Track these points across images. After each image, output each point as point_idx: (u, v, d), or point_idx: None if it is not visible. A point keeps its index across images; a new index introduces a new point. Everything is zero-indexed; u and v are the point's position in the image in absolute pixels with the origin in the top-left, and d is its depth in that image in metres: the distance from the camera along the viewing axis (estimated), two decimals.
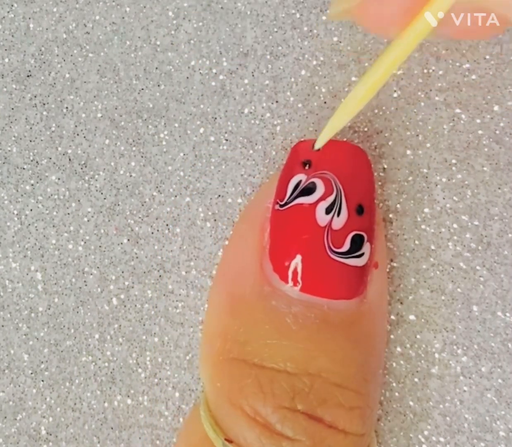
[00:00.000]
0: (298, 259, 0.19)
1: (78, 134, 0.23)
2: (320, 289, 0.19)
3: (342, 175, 0.19)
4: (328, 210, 0.19)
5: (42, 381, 0.23)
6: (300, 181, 0.19)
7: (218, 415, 0.19)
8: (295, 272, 0.19)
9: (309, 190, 0.19)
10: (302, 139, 0.21)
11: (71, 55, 0.23)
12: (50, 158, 0.23)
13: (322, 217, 0.19)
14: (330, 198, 0.19)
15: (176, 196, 0.23)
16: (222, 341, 0.20)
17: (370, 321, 0.20)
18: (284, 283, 0.19)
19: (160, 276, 0.23)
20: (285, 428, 0.18)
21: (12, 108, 0.23)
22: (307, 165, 0.20)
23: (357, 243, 0.19)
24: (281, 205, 0.19)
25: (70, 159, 0.23)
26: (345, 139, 0.22)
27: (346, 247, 0.19)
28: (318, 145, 0.19)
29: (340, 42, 0.23)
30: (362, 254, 0.19)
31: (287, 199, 0.19)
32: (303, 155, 0.20)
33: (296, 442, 0.18)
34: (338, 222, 0.19)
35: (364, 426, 0.19)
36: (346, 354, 0.19)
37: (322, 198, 0.19)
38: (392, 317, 0.22)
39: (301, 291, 0.19)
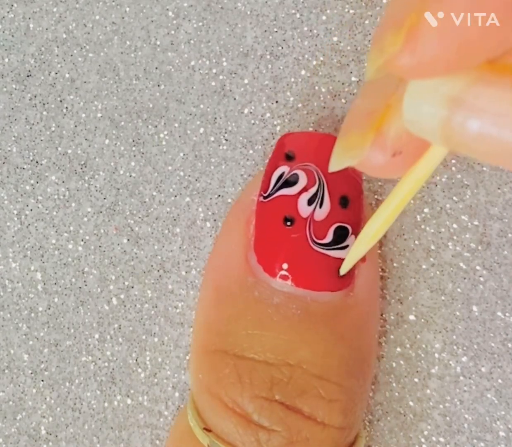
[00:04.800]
0: (281, 250, 0.19)
1: (78, 134, 0.23)
2: (302, 280, 0.19)
3: (325, 167, 0.19)
4: (310, 202, 0.19)
5: (42, 381, 0.23)
6: (283, 173, 0.19)
7: (200, 406, 0.19)
8: (278, 263, 0.19)
9: (291, 181, 0.19)
10: (287, 132, 0.21)
11: (71, 55, 0.23)
12: (50, 158, 0.23)
13: (304, 209, 0.19)
14: (312, 190, 0.19)
15: (176, 196, 0.23)
16: (205, 333, 0.20)
17: (357, 315, 0.19)
18: (268, 274, 0.19)
19: (160, 276, 0.23)
20: (261, 418, 0.18)
21: (12, 108, 0.23)
22: (291, 157, 0.20)
23: (340, 235, 0.19)
24: (265, 197, 0.19)
25: (70, 159, 0.23)
26: None
27: (328, 238, 0.19)
28: (342, 273, 0.19)
29: (340, 42, 0.23)
30: (346, 246, 0.19)
31: (270, 191, 0.19)
32: (287, 147, 0.20)
33: (272, 432, 0.18)
34: (320, 213, 0.19)
35: (345, 419, 0.18)
36: (329, 346, 0.19)
37: (304, 189, 0.19)
38: (392, 317, 0.22)
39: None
